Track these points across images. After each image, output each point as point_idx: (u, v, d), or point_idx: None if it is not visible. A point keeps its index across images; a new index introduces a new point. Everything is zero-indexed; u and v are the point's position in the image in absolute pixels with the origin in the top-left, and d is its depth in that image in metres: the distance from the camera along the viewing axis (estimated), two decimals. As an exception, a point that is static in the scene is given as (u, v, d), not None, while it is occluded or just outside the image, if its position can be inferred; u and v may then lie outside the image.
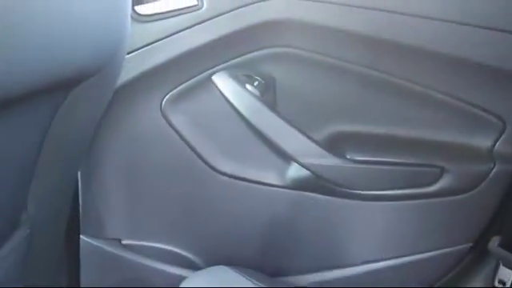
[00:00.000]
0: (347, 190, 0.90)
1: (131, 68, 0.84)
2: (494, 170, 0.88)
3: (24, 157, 0.68)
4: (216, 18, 0.85)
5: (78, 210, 0.96)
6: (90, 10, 0.61)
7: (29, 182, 0.71)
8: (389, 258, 0.93)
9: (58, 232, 0.84)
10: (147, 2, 0.86)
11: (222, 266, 0.83)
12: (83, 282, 1.00)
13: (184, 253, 0.98)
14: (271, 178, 0.94)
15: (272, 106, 0.90)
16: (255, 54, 0.88)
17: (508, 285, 0.79)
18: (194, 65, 0.88)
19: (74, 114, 0.71)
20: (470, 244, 0.91)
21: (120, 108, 0.89)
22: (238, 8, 0.84)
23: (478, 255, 0.93)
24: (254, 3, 0.84)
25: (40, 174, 0.72)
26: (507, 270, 0.80)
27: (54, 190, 0.78)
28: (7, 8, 0.49)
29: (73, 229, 0.96)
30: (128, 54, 0.80)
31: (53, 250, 0.85)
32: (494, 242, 0.84)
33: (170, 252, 0.98)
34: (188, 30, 0.85)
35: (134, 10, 0.83)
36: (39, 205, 0.73)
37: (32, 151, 0.69)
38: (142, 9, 0.84)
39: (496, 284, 0.83)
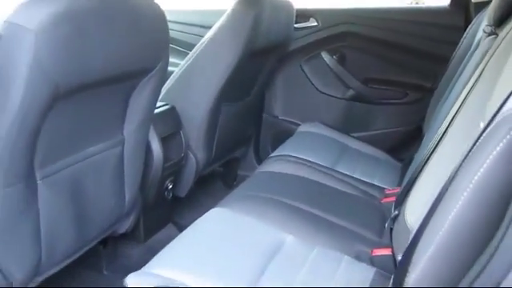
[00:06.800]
0: (369, 99, 2.29)
1: (291, 47, 2.28)
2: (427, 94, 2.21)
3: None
4: (324, 30, 2.29)
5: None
6: (287, 25, 2.07)
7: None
8: (385, 128, 2.30)
9: (258, 105, 2.32)
10: (297, 23, 2.30)
11: (316, 123, 2.23)
12: (262, 136, 2.45)
13: (300, 122, 2.38)
14: (340, 94, 2.34)
15: (342, 64, 2.31)
16: (337, 44, 2.30)
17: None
18: (313, 47, 2.32)
19: (270, 63, 2.17)
20: (418, 124, 2.25)
21: (285, 61, 2.33)
22: (333, 26, 2.28)
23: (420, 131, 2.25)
24: (338, 25, 2.27)
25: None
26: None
27: (260, 85, 2.23)
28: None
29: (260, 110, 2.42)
30: (291, 41, 2.25)
31: (256, 114, 2.33)
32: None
33: (295, 122, 2.39)
34: (313, 34, 2.30)
35: (294, 25, 2.29)
36: (255, 91, 2.19)
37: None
38: (296, 25, 2.29)
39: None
